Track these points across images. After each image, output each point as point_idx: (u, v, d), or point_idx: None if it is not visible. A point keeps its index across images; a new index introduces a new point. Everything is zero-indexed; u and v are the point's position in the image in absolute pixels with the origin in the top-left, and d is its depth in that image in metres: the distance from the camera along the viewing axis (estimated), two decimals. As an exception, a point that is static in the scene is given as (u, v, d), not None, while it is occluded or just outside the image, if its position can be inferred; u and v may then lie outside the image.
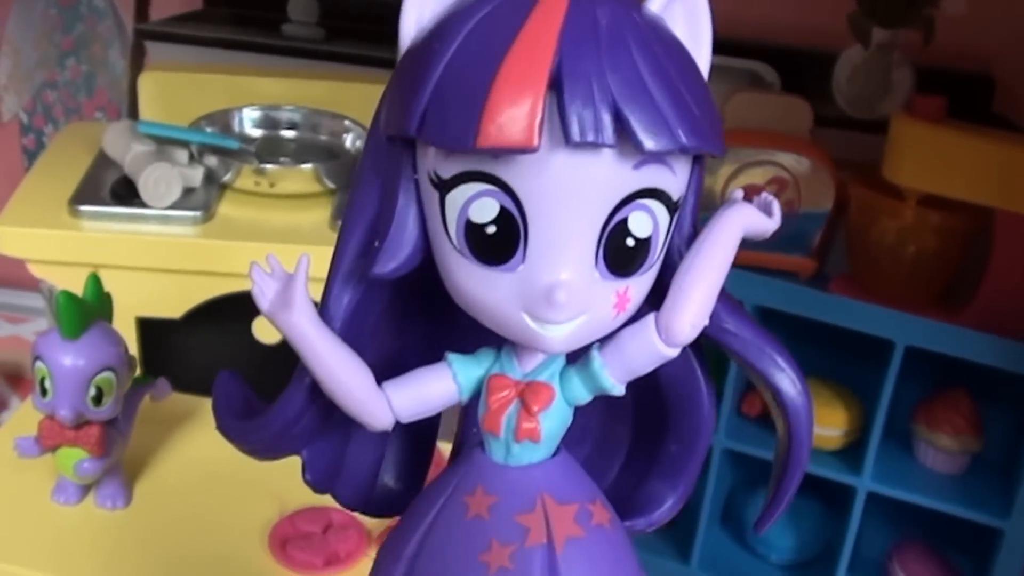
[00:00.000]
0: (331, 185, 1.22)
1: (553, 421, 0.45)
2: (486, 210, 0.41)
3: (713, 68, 0.45)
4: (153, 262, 1.13)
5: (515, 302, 0.42)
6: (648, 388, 0.48)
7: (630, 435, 0.52)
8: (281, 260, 0.48)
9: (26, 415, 0.89)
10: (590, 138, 0.38)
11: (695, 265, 0.43)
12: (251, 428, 0.50)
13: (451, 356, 0.47)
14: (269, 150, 1.30)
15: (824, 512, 1.28)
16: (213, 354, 1.23)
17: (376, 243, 0.44)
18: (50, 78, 1.79)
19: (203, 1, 1.73)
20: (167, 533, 0.84)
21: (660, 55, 0.40)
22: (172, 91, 1.36)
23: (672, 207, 0.42)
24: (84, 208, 1.15)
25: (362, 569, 0.81)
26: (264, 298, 0.46)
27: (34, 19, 1.77)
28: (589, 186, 0.40)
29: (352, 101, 1.34)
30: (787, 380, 0.46)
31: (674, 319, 0.43)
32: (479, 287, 0.42)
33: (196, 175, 1.19)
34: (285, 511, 0.85)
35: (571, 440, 0.48)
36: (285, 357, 0.51)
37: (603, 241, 0.41)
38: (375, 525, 0.84)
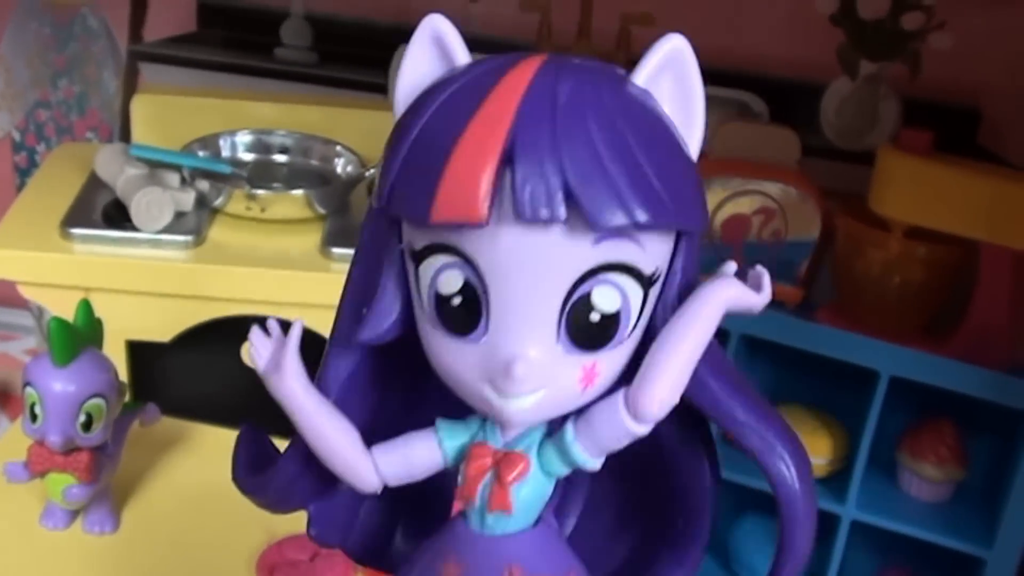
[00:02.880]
0: (322, 211, 1.23)
1: (529, 492, 0.45)
2: (452, 282, 0.41)
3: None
4: (144, 286, 1.13)
5: (478, 373, 0.42)
6: (652, 459, 0.47)
7: (639, 506, 0.51)
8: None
9: (14, 439, 0.89)
10: (540, 215, 0.38)
11: (668, 341, 0.42)
12: (259, 484, 0.51)
13: (440, 422, 0.47)
14: (261, 175, 1.31)
15: (809, 539, 1.28)
16: (202, 378, 1.23)
17: (364, 310, 0.45)
18: (43, 97, 1.80)
19: (197, 23, 1.73)
20: (155, 558, 0.84)
21: (624, 130, 0.40)
22: (165, 114, 1.37)
23: (646, 281, 0.42)
24: (76, 231, 1.15)
25: (349, 597, 0.81)
26: (260, 359, 0.48)
27: (27, 37, 1.78)
28: (545, 261, 0.40)
29: (344, 126, 1.35)
30: (783, 468, 0.45)
31: (642, 396, 0.42)
32: (448, 357, 0.43)
33: (188, 199, 1.19)
34: (273, 538, 0.85)
35: (588, 509, 0.48)
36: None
37: (565, 315, 0.41)
38: (362, 553, 0.84)
